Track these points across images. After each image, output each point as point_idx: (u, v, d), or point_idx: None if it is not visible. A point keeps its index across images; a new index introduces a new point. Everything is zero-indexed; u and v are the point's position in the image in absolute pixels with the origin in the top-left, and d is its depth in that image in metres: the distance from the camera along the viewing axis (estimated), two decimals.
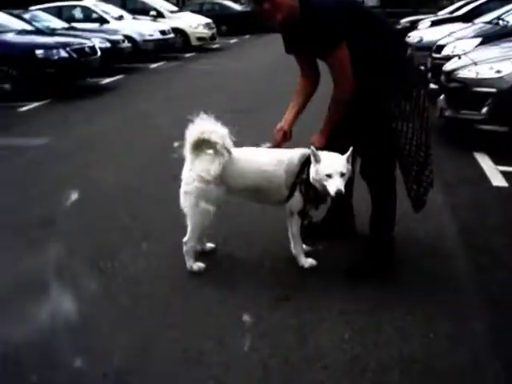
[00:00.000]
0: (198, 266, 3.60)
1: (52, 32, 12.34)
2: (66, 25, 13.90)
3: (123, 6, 17.97)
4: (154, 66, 14.74)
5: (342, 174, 3.20)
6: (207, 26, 19.05)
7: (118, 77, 12.75)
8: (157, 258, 3.82)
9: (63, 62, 10.06)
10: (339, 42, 3.18)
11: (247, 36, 24.42)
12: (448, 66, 6.98)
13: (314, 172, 3.29)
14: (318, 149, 3.37)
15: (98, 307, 3.26)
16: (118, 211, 4.63)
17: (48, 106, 9.57)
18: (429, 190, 3.51)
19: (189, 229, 3.53)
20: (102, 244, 4.05)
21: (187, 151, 3.47)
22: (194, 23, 18.41)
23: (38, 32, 11.50)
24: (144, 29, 15.44)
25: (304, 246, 3.73)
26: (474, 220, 4.37)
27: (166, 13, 18.60)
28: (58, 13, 15.58)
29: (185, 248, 3.57)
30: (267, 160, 3.46)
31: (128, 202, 4.83)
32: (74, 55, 10.29)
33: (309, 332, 2.94)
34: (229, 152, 3.41)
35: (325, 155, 3.28)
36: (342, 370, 2.65)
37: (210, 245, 3.88)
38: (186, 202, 3.49)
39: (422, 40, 11.39)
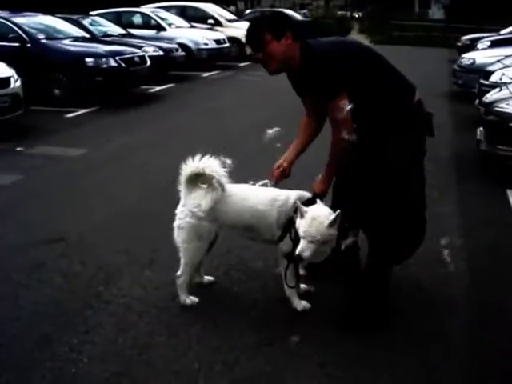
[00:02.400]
0: (191, 300, 3.60)
1: (107, 39, 12.66)
2: (123, 31, 14.24)
3: (182, 14, 18.29)
4: (206, 75, 14.89)
5: (312, 241, 3.14)
6: None
7: (168, 85, 12.97)
8: (155, 287, 3.84)
9: (111, 71, 10.33)
10: (338, 92, 3.13)
11: None
12: (488, 97, 6.76)
13: (297, 223, 3.24)
14: (317, 195, 3.36)
15: (83, 336, 3.32)
16: (128, 233, 4.70)
17: (94, 114, 9.83)
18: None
19: (181, 263, 3.54)
20: (106, 267, 4.10)
21: (182, 185, 3.49)
22: None
23: (92, 40, 11.89)
24: (199, 37, 15.63)
25: (303, 286, 3.70)
26: (488, 269, 4.18)
27: (223, 21, 18.77)
28: (118, 18, 16.01)
29: (178, 282, 3.58)
30: (261, 199, 3.44)
31: (142, 224, 4.89)
32: (123, 64, 10.52)
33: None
34: (222, 188, 3.41)
35: (309, 213, 3.19)
36: None
37: (208, 278, 3.88)
38: (178, 237, 3.51)
39: (474, 62, 11.10)
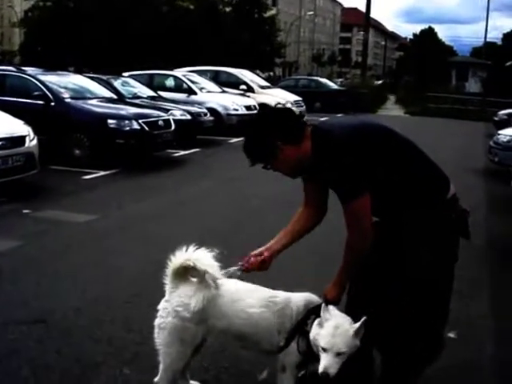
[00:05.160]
0: None
1: (135, 101, 12.55)
2: (153, 93, 14.18)
3: (215, 79, 18.35)
4: (233, 140, 14.64)
5: (339, 354, 2.61)
6: (295, 103, 18.98)
7: (193, 150, 12.72)
8: None
9: (133, 134, 10.08)
10: (358, 193, 2.65)
11: (340, 115, 24.15)
12: None
13: (314, 333, 2.71)
14: (328, 302, 2.82)
15: None
16: (116, 318, 4.23)
17: (111, 177, 9.52)
18: None
19: (160, 367, 3.03)
20: (83, 359, 3.63)
21: (168, 278, 3.01)
22: (282, 100, 18.36)
23: (119, 101, 11.74)
24: (229, 103, 15.51)
25: None
26: None
27: (256, 88, 18.72)
28: (150, 80, 16.09)
29: None
30: (254, 301, 2.91)
31: (133, 309, 4.40)
32: (146, 128, 10.27)
33: None
34: (216, 285, 2.91)
35: (331, 320, 2.68)
36: None
37: (194, 383, 3.35)
38: (158, 338, 3.00)
39: (511, 140, 10.61)
